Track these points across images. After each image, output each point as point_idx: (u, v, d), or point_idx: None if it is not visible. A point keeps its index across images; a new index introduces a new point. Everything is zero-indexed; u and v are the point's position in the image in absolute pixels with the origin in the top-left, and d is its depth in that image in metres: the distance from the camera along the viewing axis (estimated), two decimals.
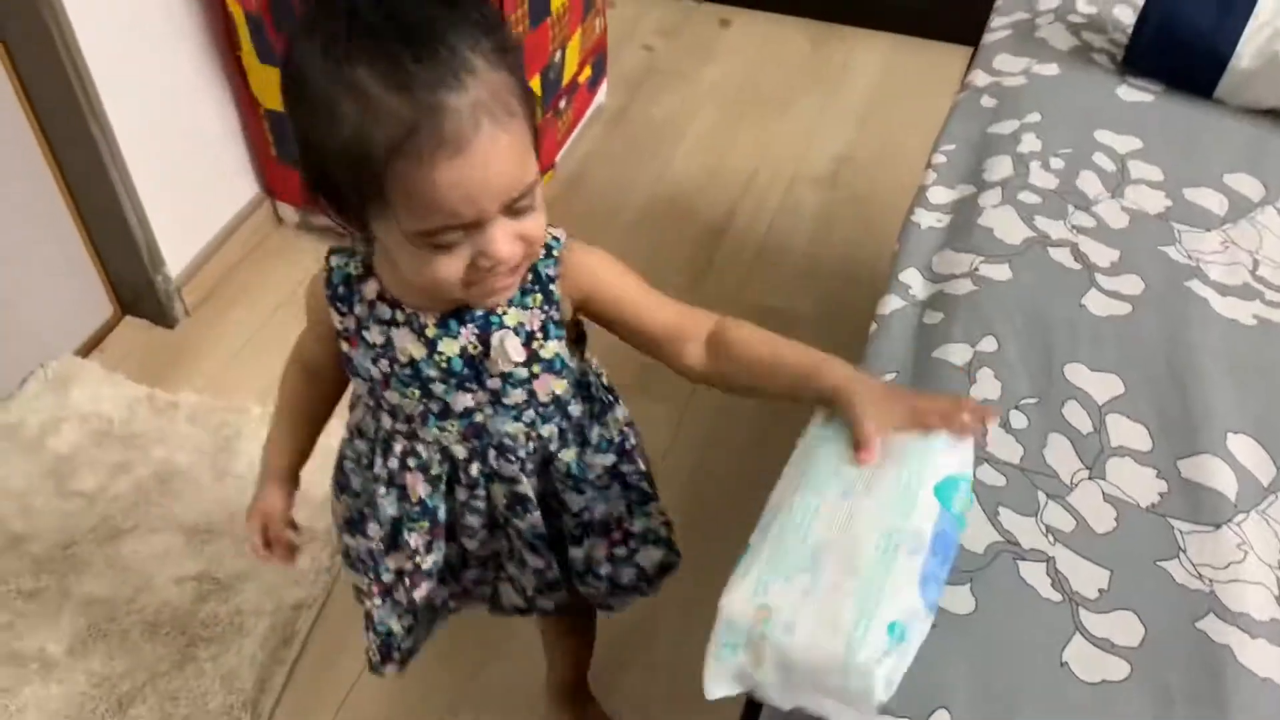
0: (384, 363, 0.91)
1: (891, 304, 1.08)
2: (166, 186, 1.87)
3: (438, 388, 0.91)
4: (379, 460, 0.98)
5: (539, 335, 0.89)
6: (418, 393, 0.92)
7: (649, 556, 1.09)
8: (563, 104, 2.18)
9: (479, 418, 0.93)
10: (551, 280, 0.88)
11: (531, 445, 0.97)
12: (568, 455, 0.99)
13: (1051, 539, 0.86)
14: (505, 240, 0.77)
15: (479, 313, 0.88)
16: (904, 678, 0.72)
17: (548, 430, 0.97)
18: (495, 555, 1.08)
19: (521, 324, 0.89)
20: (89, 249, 1.88)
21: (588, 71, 2.28)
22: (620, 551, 1.07)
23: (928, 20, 2.59)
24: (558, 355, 0.91)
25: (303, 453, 1.08)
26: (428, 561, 1.03)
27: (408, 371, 0.90)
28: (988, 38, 1.44)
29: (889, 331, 1.05)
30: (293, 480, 1.08)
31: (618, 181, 2.27)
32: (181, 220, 1.94)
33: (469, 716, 1.44)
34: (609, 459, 1.03)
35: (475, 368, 0.90)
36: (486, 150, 0.72)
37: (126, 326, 1.96)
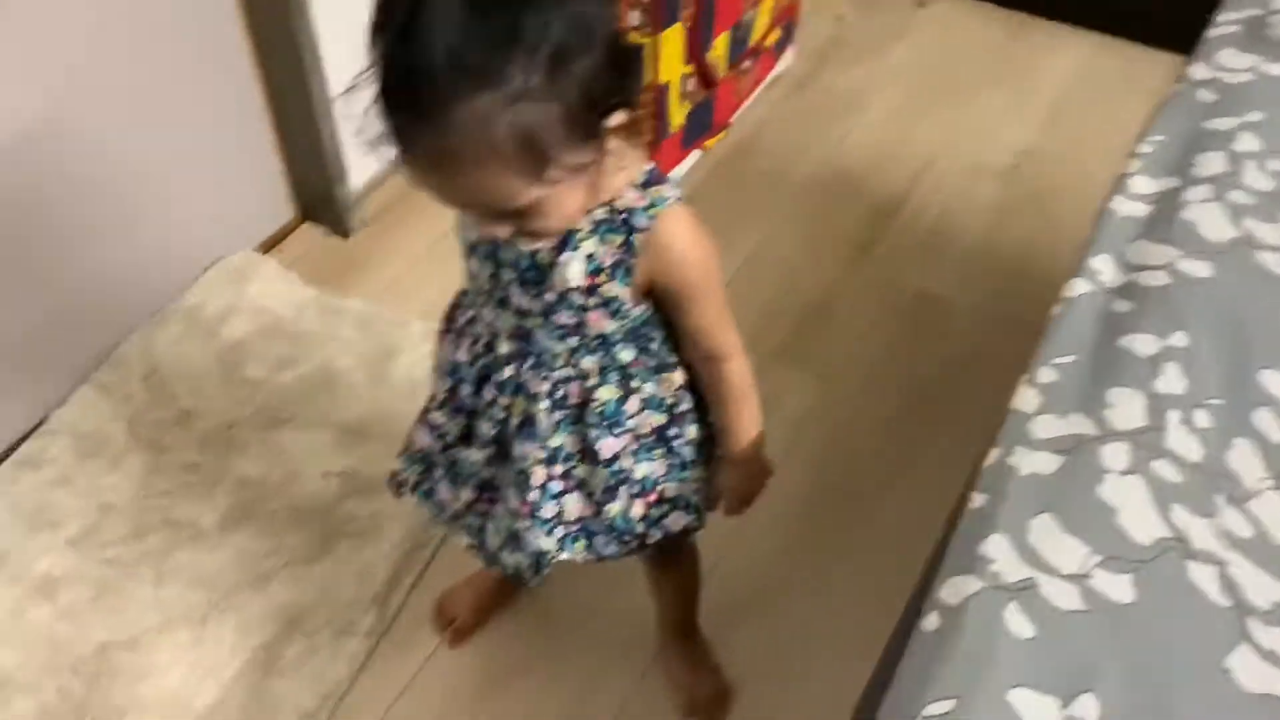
0: (475, 232, 0.95)
1: (1079, 287, 1.04)
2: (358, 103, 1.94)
3: (506, 274, 0.95)
4: (460, 311, 1.07)
5: (606, 272, 0.92)
6: (489, 271, 0.96)
7: (676, 521, 1.11)
8: (746, 64, 2.17)
9: (529, 323, 0.97)
10: (636, 231, 0.90)
11: (569, 373, 0.99)
12: (606, 393, 1.00)
13: (1226, 544, 0.82)
14: (494, 230, 0.84)
15: (564, 238, 0.90)
16: (1052, 656, 0.70)
17: (589, 363, 0.99)
18: (491, 488, 1.11)
19: (594, 254, 0.91)
20: (280, 154, 1.96)
21: (776, 35, 2.26)
22: (653, 513, 1.09)
23: (1136, 21, 2.47)
24: (617, 298, 0.93)
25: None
26: (437, 415, 1.09)
27: (489, 248, 0.95)
28: (1212, 32, 1.36)
29: (1074, 314, 1.01)
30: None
31: (791, 148, 2.24)
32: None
33: (585, 642, 1.47)
34: (660, 418, 1.04)
35: (541, 275, 0.93)
36: (442, 185, 0.79)
37: (305, 231, 2.05)
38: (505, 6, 0.73)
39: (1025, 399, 0.94)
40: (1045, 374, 0.96)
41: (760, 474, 1.13)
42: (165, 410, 1.70)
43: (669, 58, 1.87)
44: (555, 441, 1.02)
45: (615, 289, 0.93)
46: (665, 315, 0.98)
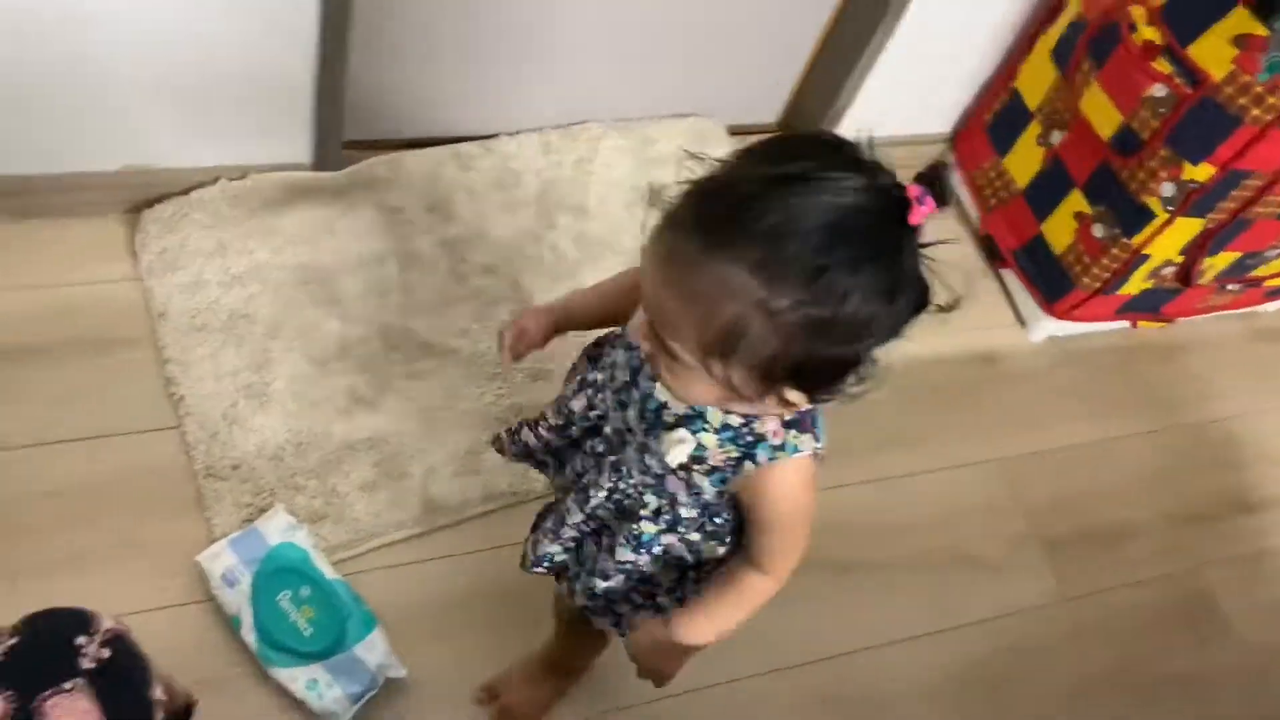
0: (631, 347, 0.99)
1: None
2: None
3: (636, 394, 0.98)
4: (593, 370, 1.06)
5: (703, 467, 0.95)
6: (627, 379, 0.99)
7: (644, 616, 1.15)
8: (1232, 287, 2.06)
9: (627, 438, 1.00)
10: (752, 460, 0.93)
11: (633, 492, 1.02)
12: (649, 527, 1.03)
13: None
14: (640, 332, 0.86)
15: (695, 413, 0.93)
16: None
17: (651, 500, 1.02)
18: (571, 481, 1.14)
19: (705, 448, 0.94)
20: None
21: None
22: (638, 600, 1.13)
23: None
24: (701, 489, 0.97)
25: (581, 318, 1.15)
26: (545, 433, 1.12)
27: (639, 359, 0.97)
28: None
29: None
30: (561, 315, 1.15)
31: (1207, 379, 2.13)
32: None
33: None
34: (688, 558, 1.07)
35: (657, 422, 0.96)
36: (654, 284, 0.81)
37: None
38: (833, 250, 0.75)
39: None
40: None
41: (674, 661, 1.13)
42: None
43: (1169, 239, 1.81)
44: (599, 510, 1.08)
45: (704, 484, 0.96)
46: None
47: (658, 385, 0.95)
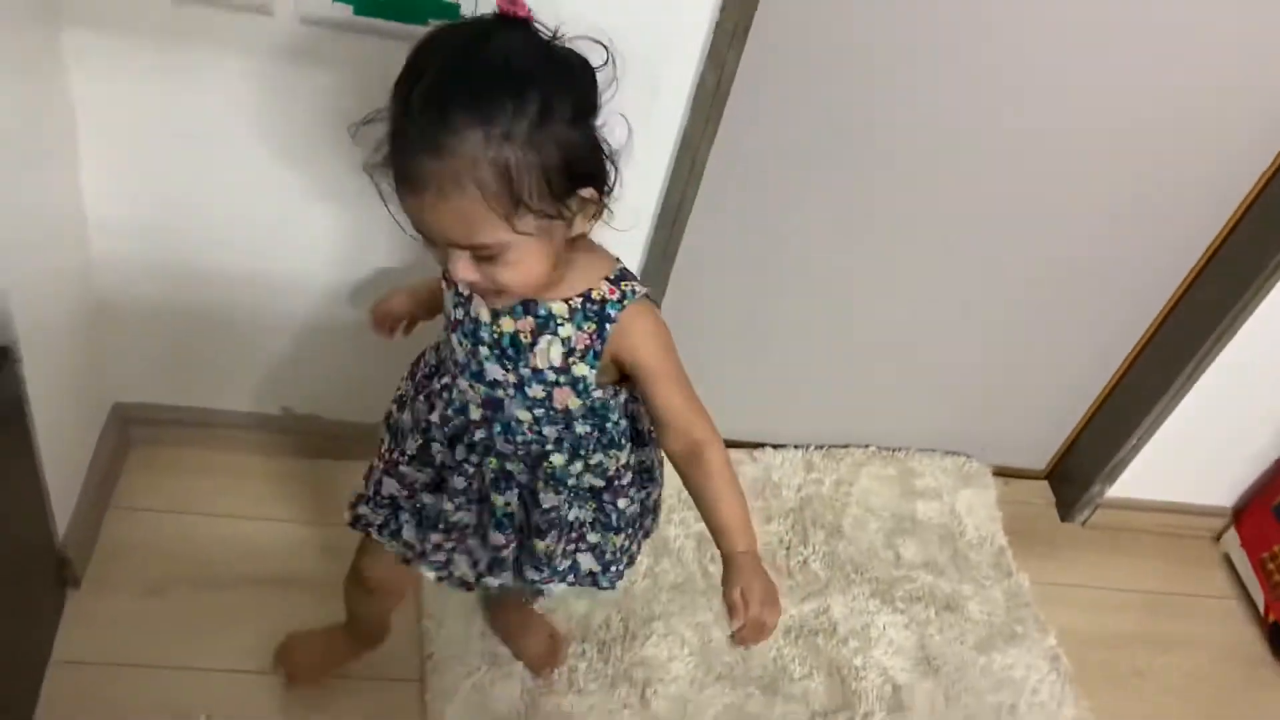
0: (459, 310, 1.09)
1: None
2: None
3: (483, 351, 1.08)
4: (434, 377, 1.18)
5: (578, 353, 1.05)
6: (469, 345, 1.09)
7: (586, 561, 1.23)
8: None
9: (500, 393, 1.10)
10: (609, 320, 1.04)
11: (531, 436, 1.12)
12: (557, 459, 1.14)
13: None
14: (464, 269, 0.96)
15: (542, 310, 1.04)
16: None
17: (549, 431, 1.12)
18: (462, 526, 1.21)
19: (569, 338, 1.05)
20: None
21: None
22: (569, 548, 1.21)
23: None
24: (584, 378, 1.07)
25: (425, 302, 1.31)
26: (406, 468, 1.21)
27: (470, 326, 1.09)
28: None
29: None
30: (424, 295, 1.30)
31: None
32: None
33: None
34: (599, 482, 1.17)
35: (518, 352, 1.07)
36: (427, 206, 0.92)
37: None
38: (513, 69, 0.91)
39: None
40: None
41: (761, 575, 1.09)
42: None
43: None
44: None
45: (583, 370, 1.06)
46: (641, 406, 1.14)
47: (503, 320, 1.06)
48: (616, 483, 1.18)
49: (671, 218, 1.51)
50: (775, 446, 1.96)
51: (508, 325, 1.06)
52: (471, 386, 1.12)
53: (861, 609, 1.77)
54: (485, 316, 1.06)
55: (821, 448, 1.98)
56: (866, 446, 2.00)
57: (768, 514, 1.87)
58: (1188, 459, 2.02)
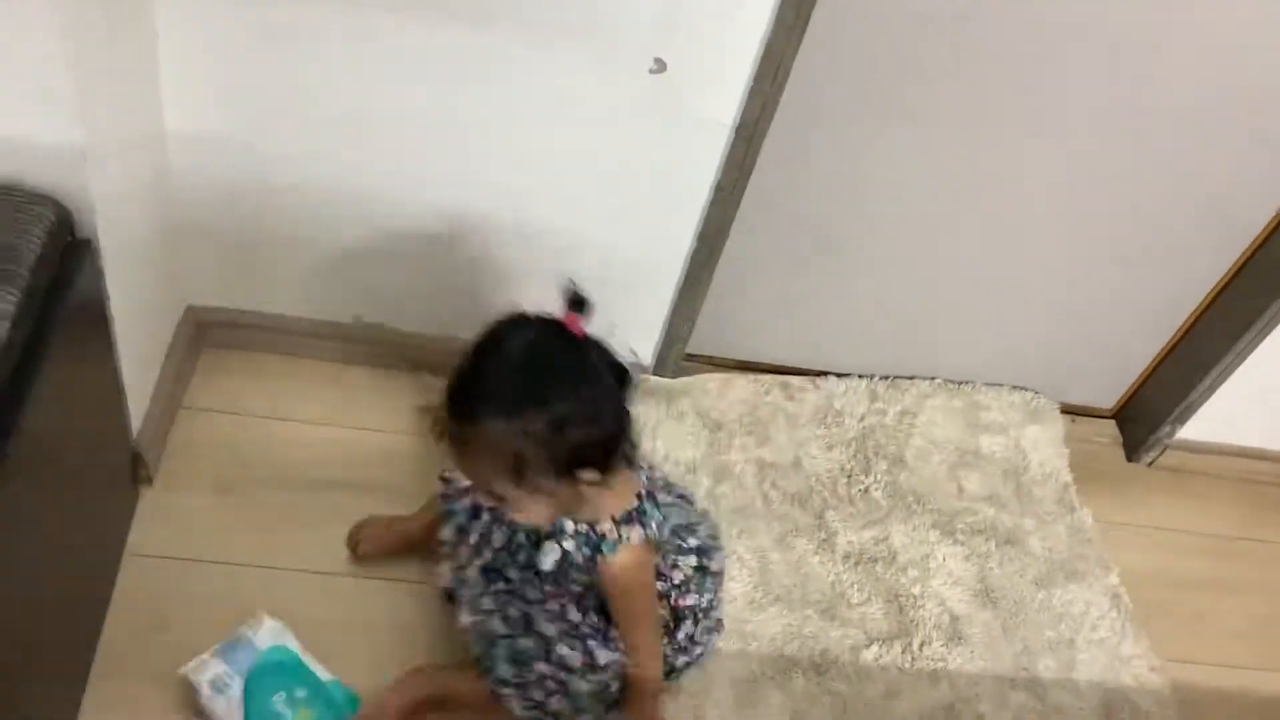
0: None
1: None
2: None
3: (494, 544, 1.37)
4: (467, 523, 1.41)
5: (575, 567, 1.30)
6: (480, 534, 1.38)
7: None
8: None
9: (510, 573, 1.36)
10: (600, 553, 1.27)
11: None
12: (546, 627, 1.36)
13: None
14: (482, 497, 1.24)
15: (556, 528, 1.27)
16: None
17: (549, 629, 1.35)
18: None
19: (569, 553, 1.29)
20: None
21: None
22: (552, 686, 1.35)
23: None
24: (582, 581, 1.32)
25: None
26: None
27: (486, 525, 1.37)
28: None
29: None
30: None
31: None
32: None
33: None
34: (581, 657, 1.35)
35: (529, 555, 1.32)
36: (457, 453, 1.18)
37: None
38: (542, 377, 1.14)
39: None
40: None
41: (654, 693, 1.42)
42: None
43: None
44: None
45: (581, 576, 1.31)
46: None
47: (513, 539, 1.33)
48: (596, 662, 1.36)
49: (750, 131, 1.48)
50: (839, 375, 1.94)
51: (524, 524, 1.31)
52: (505, 564, 1.37)
53: (922, 539, 1.76)
54: (489, 503, 1.27)
55: (886, 378, 1.96)
56: (932, 379, 1.98)
57: (829, 442, 1.85)
58: (1263, 404, 1.97)
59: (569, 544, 1.28)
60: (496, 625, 1.37)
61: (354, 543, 1.56)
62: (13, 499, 1.07)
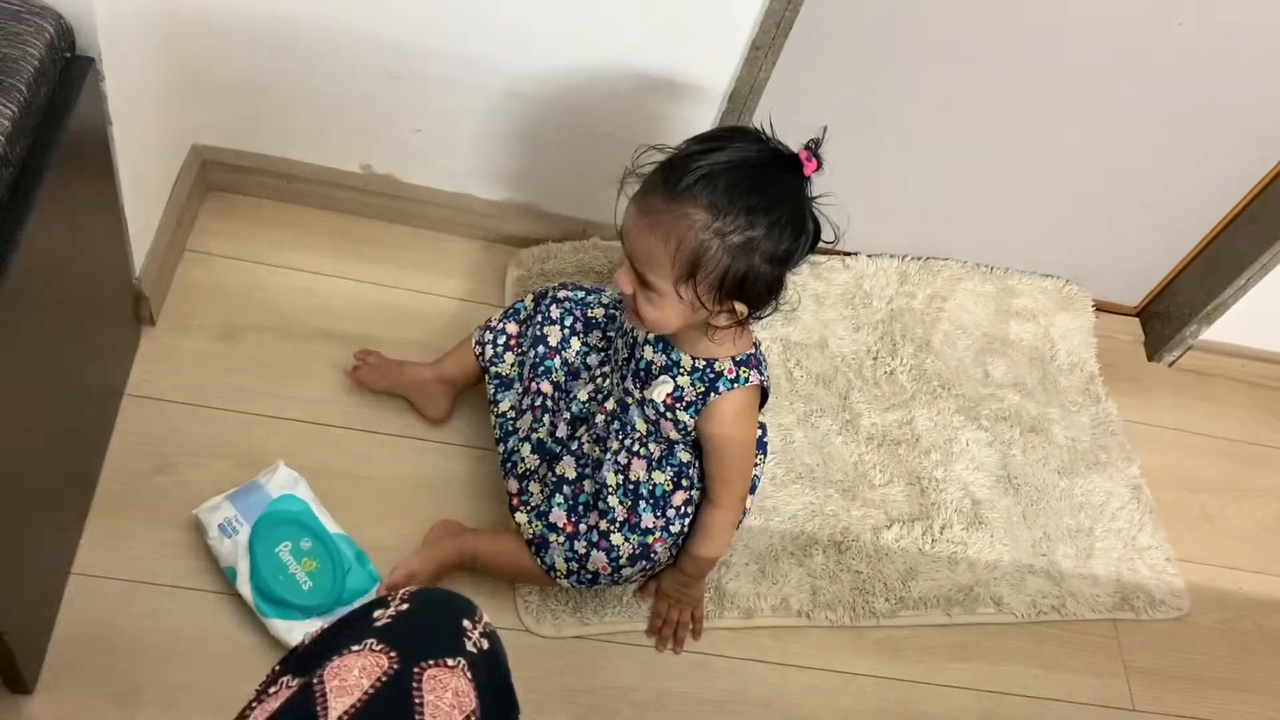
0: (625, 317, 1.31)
1: None
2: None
3: (631, 365, 1.30)
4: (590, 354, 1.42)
5: (683, 402, 1.25)
6: (625, 355, 1.32)
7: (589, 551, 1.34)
8: None
9: (629, 399, 1.30)
10: (715, 390, 1.23)
11: (638, 449, 1.31)
12: (660, 478, 1.32)
13: None
14: (624, 278, 1.15)
15: (674, 355, 1.25)
16: None
17: (654, 448, 1.31)
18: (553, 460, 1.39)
19: (682, 387, 1.25)
20: None
21: None
22: (594, 537, 1.33)
23: None
24: (685, 423, 1.26)
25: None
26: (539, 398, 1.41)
27: (631, 339, 1.31)
28: None
29: None
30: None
31: None
32: None
33: None
34: (638, 491, 1.33)
35: (648, 377, 1.27)
36: (638, 226, 1.11)
37: None
38: (762, 192, 1.08)
39: None
40: None
41: (691, 592, 1.42)
42: None
43: None
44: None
45: (685, 416, 1.25)
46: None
47: (647, 348, 1.27)
48: (652, 502, 1.33)
49: None
50: (870, 256, 1.88)
51: (649, 352, 1.27)
52: (618, 384, 1.33)
53: (946, 424, 1.72)
54: (628, 288, 1.17)
55: (919, 259, 1.89)
56: (964, 261, 1.91)
57: (856, 323, 1.79)
58: None
59: (683, 379, 1.24)
60: (568, 465, 1.35)
61: (355, 365, 1.51)
62: (11, 319, 1.00)
